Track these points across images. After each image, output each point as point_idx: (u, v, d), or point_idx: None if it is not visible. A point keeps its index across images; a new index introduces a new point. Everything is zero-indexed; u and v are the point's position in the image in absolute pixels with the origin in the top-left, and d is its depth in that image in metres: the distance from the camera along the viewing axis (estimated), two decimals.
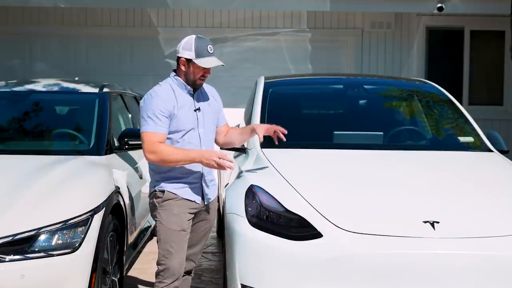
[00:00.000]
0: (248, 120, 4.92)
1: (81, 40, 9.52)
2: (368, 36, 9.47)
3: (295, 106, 5.32)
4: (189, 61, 3.72)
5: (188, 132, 3.74)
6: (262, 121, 4.68)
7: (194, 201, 3.78)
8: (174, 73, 3.83)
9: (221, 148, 4.77)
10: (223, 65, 3.79)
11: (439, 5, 8.59)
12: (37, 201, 3.76)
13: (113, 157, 4.79)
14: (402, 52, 9.45)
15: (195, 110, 3.78)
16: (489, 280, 3.28)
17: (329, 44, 9.51)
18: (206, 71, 3.74)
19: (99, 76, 8.01)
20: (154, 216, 3.84)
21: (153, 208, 3.84)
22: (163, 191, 3.75)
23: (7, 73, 8.93)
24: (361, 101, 5.44)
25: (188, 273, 3.95)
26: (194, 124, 3.77)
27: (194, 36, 3.77)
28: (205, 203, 3.85)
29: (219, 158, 3.61)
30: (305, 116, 5.33)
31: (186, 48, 3.73)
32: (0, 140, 5.13)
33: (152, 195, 3.83)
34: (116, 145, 4.90)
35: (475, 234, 3.37)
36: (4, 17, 9.42)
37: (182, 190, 3.75)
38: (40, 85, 5.61)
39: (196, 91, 3.82)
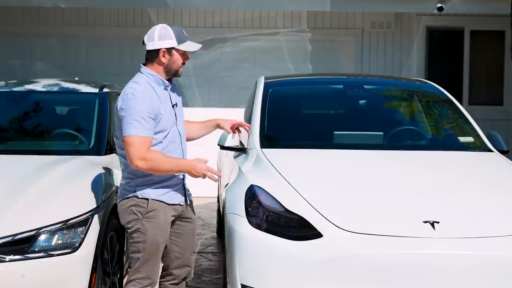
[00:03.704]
0: (248, 120, 4.92)
1: (81, 40, 9.52)
2: (368, 36, 9.46)
3: (295, 106, 5.32)
4: (170, 50, 3.55)
5: (170, 130, 3.57)
6: (262, 121, 4.68)
7: (179, 204, 3.61)
8: (147, 69, 3.60)
9: (221, 148, 4.78)
10: (200, 46, 3.65)
11: (439, 5, 8.58)
12: (37, 201, 3.76)
13: (113, 157, 4.78)
14: (402, 52, 9.44)
15: (172, 106, 3.61)
16: (489, 280, 3.28)
17: (329, 44, 9.51)
18: (186, 57, 3.60)
19: (99, 76, 8.01)
20: (130, 225, 3.52)
21: (130, 216, 3.52)
22: (146, 200, 3.49)
23: (7, 73, 8.92)
24: (361, 101, 5.44)
25: (184, 279, 3.81)
26: (174, 121, 3.60)
27: (164, 25, 3.61)
28: (187, 203, 3.70)
29: (209, 171, 3.48)
30: (305, 116, 5.33)
31: (165, 37, 3.53)
32: (0, 140, 5.14)
33: (131, 202, 3.51)
34: None
35: (475, 234, 3.37)
36: (4, 17, 9.42)
37: (167, 196, 3.54)
38: (40, 85, 5.62)
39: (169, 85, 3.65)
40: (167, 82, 3.62)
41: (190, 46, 3.59)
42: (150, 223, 3.50)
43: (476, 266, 3.27)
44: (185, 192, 3.67)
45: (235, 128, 3.94)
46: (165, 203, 3.54)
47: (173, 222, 3.66)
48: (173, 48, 3.55)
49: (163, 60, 3.56)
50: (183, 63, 3.62)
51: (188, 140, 3.84)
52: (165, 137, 3.54)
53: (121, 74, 9.27)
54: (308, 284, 3.34)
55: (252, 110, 4.90)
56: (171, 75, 3.61)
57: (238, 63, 9.32)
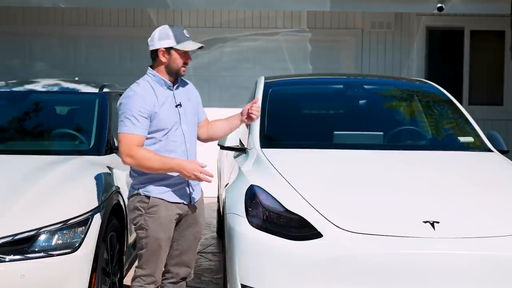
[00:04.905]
0: None
1: (81, 40, 9.52)
2: (368, 36, 9.46)
3: (295, 106, 5.32)
4: (169, 50, 3.59)
5: (171, 129, 3.59)
6: (262, 121, 4.68)
7: (182, 203, 3.63)
8: (151, 70, 3.67)
9: (221, 148, 4.77)
10: (202, 46, 3.66)
11: (439, 5, 8.58)
12: (37, 201, 3.76)
13: (113, 157, 4.78)
14: (402, 52, 9.45)
15: (176, 106, 3.63)
16: (489, 280, 3.28)
17: (329, 44, 9.51)
18: (187, 57, 3.63)
19: (99, 76, 8.01)
20: (135, 221, 3.62)
21: (135, 213, 3.62)
22: (148, 197, 3.58)
23: (7, 73, 8.92)
24: (361, 101, 5.44)
25: (183, 279, 3.83)
26: (177, 121, 3.62)
27: (165, 26, 3.65)
28: (191, 203, 3.68)
29: (201, 173, 3.46)
30: (305, 116, 5.33)
31: (163, 37, 3.59)
32: (0, 140, 5.14)
33: (136, 198, 3.62)
34: (116, 145, 4.89)
35: (475, 234, 3.37)
36: (4, 17, 9.42)
37: (168, 194, 3.58)
38: (40, 85, 5.62)
39: (174, 85, 3.68)
40: (169, 82, 3.65)
41: (187, 45, 3.61)
42: (151, 219, 3.57)
43: (476, 266, 3.27)
44: (190, 191, 3.66)
45: (247, 116, 3.84)
46: (166, 201, 3.59)
47: (178, 222, 3.68)
48: (171, 48, 3.59)
49: (163, 60, 3.62)
50: (185, 63, 3.65)
51: (215, 138, 3.99)
52: (164, 135, 3.58)
53: (121, 74, 9.28)
54: (308, 284, 3.34)
55: None
56: (173, 74, 3.65)
57: (238, 63, 9.32)
